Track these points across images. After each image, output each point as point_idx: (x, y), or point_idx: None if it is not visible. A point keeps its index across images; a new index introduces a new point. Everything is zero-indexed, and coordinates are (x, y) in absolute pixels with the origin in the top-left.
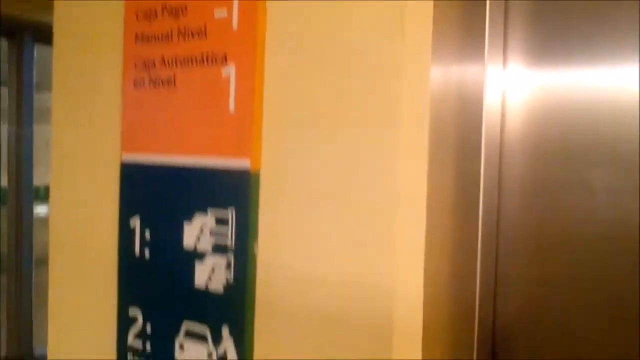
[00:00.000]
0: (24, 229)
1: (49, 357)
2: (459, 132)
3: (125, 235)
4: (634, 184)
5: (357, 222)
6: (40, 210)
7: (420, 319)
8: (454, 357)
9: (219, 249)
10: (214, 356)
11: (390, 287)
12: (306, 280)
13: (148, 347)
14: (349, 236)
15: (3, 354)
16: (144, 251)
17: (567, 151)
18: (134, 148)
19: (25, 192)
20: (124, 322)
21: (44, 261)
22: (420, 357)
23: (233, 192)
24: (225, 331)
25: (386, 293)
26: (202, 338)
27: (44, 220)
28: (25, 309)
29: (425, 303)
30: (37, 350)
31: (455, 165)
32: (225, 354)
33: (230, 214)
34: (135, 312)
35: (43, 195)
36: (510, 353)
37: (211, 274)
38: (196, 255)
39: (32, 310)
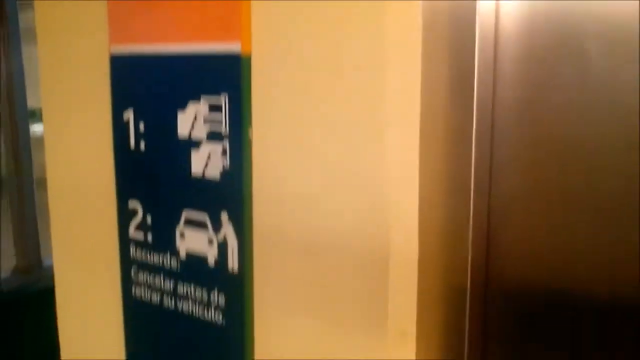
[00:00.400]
0: (21, 149)
1: (54, 253)
2: (452, 23)
3: (119, 129)
4: (634, 78)
5: (350, 106)
6: (37, 129)
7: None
8: (448, 280)
9: (213, 136)
10: (215, 242)
11: (383, 179)
12: (301, 165)
13: (149, 237)
14: (341, 119)
15: (14, 264)
16: (139, 143)
17: (565, 45)
18: (122, 39)
19: (19, 113)
20: (124, 216)
21: (43, 183)
22: (416, 272)
23: (225, 77)
24: (224, 217)
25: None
26: (202, 225)
27: (41, 140)
28: (30, 224)
29: (421, 212)
30: (45, 262)
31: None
32: (225, 239)
33: (224, 100)
34: (134, 204)
35: (39, 117)
36: (505, 275)
37: (207, 161)
38: (191, 143)
39: (37, 226)
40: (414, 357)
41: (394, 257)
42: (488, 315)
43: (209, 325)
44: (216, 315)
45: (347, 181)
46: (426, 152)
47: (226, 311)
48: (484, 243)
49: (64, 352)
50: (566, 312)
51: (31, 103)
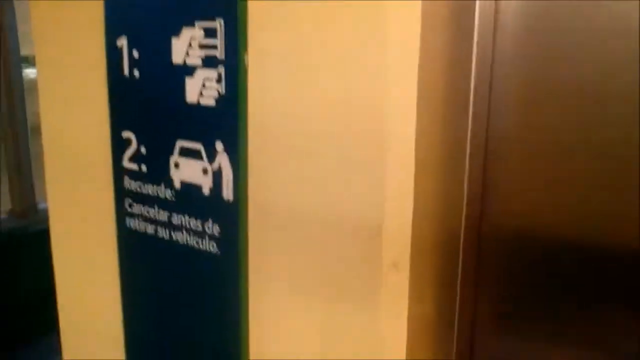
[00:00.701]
0: (15, 94)
1: (47, 191)
2: None
3: (113, 56)
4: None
5: (350, 33)
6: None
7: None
8: (443, 220)
9: (209, 62)
10: (209, 171)
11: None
12: (297, 92)
13: (143, 167)
14: (340, 45)
15: (9, 208)
16: (133, 71)
17: None
18: None
19: (12, 58)
20: (118, 146)
21: (36, 130)
22: (412, 203)
23: (221, 1)
24: (219, 146)
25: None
26: (196, 155)
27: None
28: (25, 168)
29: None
30: (40, 205)
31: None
32: (220, 168)
33: (219, 25)
34: (128, 135)
35: (31, 63)
36: (500, 216)
37: (202, 88)
38: (186, 70)
39: (32, 170)
40: (407, 284)
41: (390, 187)
42: (482, 252)
43: (204, 254)
44: (210, 245)
45: (344, 108)
46: (425, 86)
47: (221, 240)
48: (479, 179)
49: (60, 289)
50: (560, 255)
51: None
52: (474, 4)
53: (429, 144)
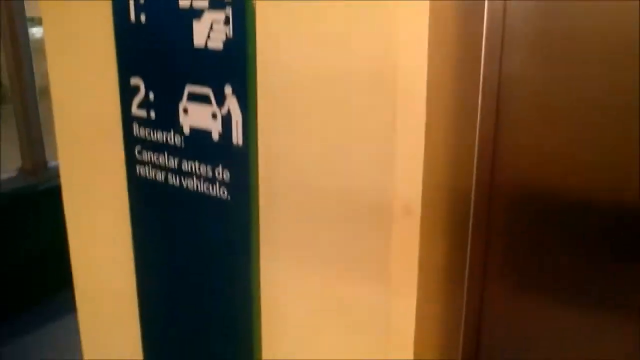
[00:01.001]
0: (22, 55)
1: (58, 146)
2: None
3: (119, 2)
4: None
5: None
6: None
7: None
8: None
9: (216, 3)
10: (218, 116)
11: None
12: (306, 33)
13: (152, 114)
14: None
15: (19, 165)
16: (139, 15)
17: None
18: None
19: (18, 18)
20: (126, 93)
21: (45, 92)
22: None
23: None
24: (228, 90)
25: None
26: (205, 100)
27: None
28: (34, 125)
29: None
30: (50, 164)
31: None
32: (229, 112)
33: None
34: (136, 81)
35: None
36: (510, 172)
37: (210, 31)
38: (193, 12)
39: (41, 127)
40: (417, 230)
41: (400, 133)
42: (492, 208)
43: (215, 200)
44: (221, 191)
45: (354, 51)
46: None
47: (231, 186)
48: (491, 129)
49: (73, 245)
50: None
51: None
52: None
53: (441, 100)
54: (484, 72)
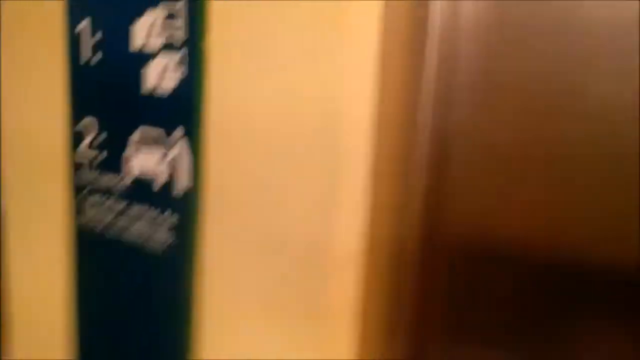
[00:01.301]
0: None
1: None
2: None
3: (73, 42)
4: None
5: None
6: None
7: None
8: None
9: (170, 46)
10: (169, 157)
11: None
12: (257, 76)
13: (100, 157)
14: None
15: None
16: (92, 57)
17: None
18: None
19: None
20: (76, 135)
21: None
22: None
23: None
24: (179, 132)
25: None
26: (157, 141)
27: None
28: None
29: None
30: None
31: None
32: (179, 155)
33: (182, 7)
34: (87, 122)
35: None
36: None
37: (162, 73)
38: (147, 55)
39: None
40: (358, 277)
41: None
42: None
43: (159, 244)
44: (166, 234)
45: (302, 96)
46: (384, 98)
47: (176, 229)
48: (435, 177)
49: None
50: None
51: None
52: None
53: (386, 147)
54: (431, 120)
